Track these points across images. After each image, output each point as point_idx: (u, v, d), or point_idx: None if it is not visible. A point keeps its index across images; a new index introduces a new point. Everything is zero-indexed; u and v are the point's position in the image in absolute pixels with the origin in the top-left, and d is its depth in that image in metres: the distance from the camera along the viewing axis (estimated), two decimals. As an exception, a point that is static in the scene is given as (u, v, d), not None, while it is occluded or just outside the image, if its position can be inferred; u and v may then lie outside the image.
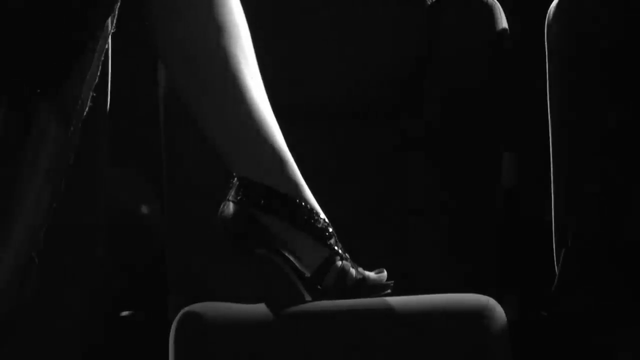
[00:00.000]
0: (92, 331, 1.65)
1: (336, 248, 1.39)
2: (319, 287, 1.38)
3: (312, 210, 1.37)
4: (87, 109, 1.19)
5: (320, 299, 1.39)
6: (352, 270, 1.40)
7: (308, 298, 1.40)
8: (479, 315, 1.40)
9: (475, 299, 1.43)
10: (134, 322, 1.94)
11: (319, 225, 1.37)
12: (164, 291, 1.77)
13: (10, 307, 1.20)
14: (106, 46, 1.19)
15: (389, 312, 1.39)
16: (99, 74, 1.19)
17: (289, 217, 1.35)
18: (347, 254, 1.41)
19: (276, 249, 1.37)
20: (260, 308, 1.37)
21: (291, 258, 1.38)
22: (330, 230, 1.39)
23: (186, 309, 1.36)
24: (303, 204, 1.36)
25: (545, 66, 1.94)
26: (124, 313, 1.95)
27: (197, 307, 1.36)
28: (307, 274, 1.38)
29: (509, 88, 1.78)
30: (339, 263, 1.38)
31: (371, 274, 1.42)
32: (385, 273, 1.43)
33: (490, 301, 1.41)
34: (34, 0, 1.08)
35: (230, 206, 1.35)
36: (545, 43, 1.93)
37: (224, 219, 1.37)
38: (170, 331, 1.36)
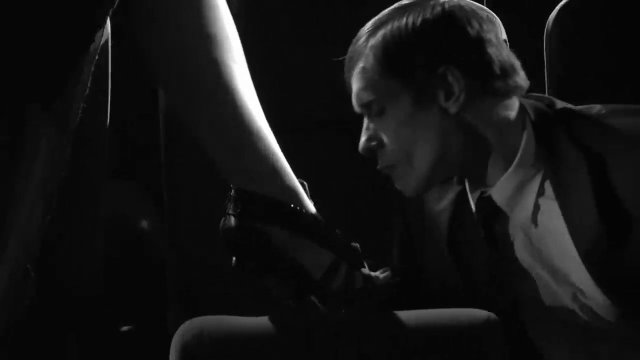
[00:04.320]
0: (92, 346, 1.64)
1: (341, 251, 1.37)
2: (327, 291, 1.36)
3: (312, 216, 1.36)
4: (78, 120, 1.18)
5: (329, 304, 1.39)
6: (358, 272, 1.39)
7: (316, 303, 1.39)
8: (478, 330, 1.40)
9: (475, 314, 1.42)
10: (134, 336, 1.94)
11: (321, 231, 1.36)
12: (164, 305, 1.77)
13: (5, 323, 1.18)
14: (96, 57, 1.17)
15: (388, 328, 1.39)
16: (89, 84, 1.18)
17: (290, 225, 1.33)
18: (351, 256, 1.39)
19: (280, 259, 1.35)
20: (260, 321, 1.36)
21: (297, 265, 1.35)
22: (334, 233, 1.37)
23: (186, 322, 1.35)
24: (303, 210, 1.35)
25: (544, 77, 1.95)
26: (124, 328, 1.95)
27: (197, 320, 1.35)
28: (314, 280, 1.36)
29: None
30: (345, 266, 1.37)
31: (377, 274, 1.41)
32: (389, 272, 1.42)
33: (491, 316, 1.41)
34: (29, 12, 1.07)
35: (231, 220, 1.33)
36: (544, 54, 1.94)
37: (226, 233, 1.35)
38: (170, 345, 1.35)
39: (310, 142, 1.71)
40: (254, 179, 1.32)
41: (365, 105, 1.52)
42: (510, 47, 1.90)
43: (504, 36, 1.92)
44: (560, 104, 1.54)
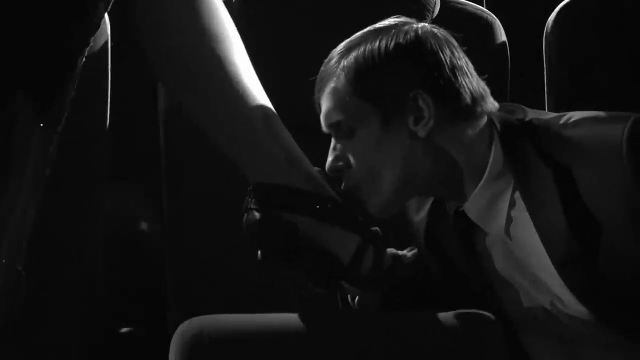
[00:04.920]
0: (92, 348, 1.64)
1: (366, 233, 1.36)
2: (357, 275, 1.35)
3: (334, 201, 1.34)
4: (65, 120, 1.17)
5: (359, 286, 1.39)
6: (386, 252, 1.39)
7: (346, 288, 1.39)
8: (479, 331, 1.40)
9: (475, 315, 1.43)
10: (134, 338, 1.94)
11: (344, 214, 1.35)
12: (164, 307, 1.77)
13: (1, 324, 1.18)
14: (85, 58, 1.17)
15: (388, 329, 1.39)
16: (76, 85, 1.17)
17: (314, 212, 1.32)
18: (377, 236, 1.38)
19: (308, 247, 1.33)
20: (260, 320, 1.37)
21: (325, 252, 1.34)
22: (356, 216, 1.37)
23: (186, 322, 1.35)
24: (324, 196, 1.34)
25: (544, 77, 1.95)
26: (124, 330, 1.94)
27: (196, 320, 1.35)
28: (343, 265, 1.34)
29: (509, 100, 1.79)
30: (372, 247, 1.36)
31: (404, 253, 1.41)
32: (416, 250, 1.42)
33: (491, 317, 1.41)
34: (26, 13, 1.07)
35: (255, 214, 1.32)
36: (544, 55, 1.94)
37: (251, 228, 1.33)
38: (170, 345, 1.35)
39: (309, 142, 1.71)
40: (271, 170, 1.31)
41: (335, 126, 1.53)
42: (510, 47, 1.91)
43: (504, 37, 1.92)
44: (531, 114, 1.55)
